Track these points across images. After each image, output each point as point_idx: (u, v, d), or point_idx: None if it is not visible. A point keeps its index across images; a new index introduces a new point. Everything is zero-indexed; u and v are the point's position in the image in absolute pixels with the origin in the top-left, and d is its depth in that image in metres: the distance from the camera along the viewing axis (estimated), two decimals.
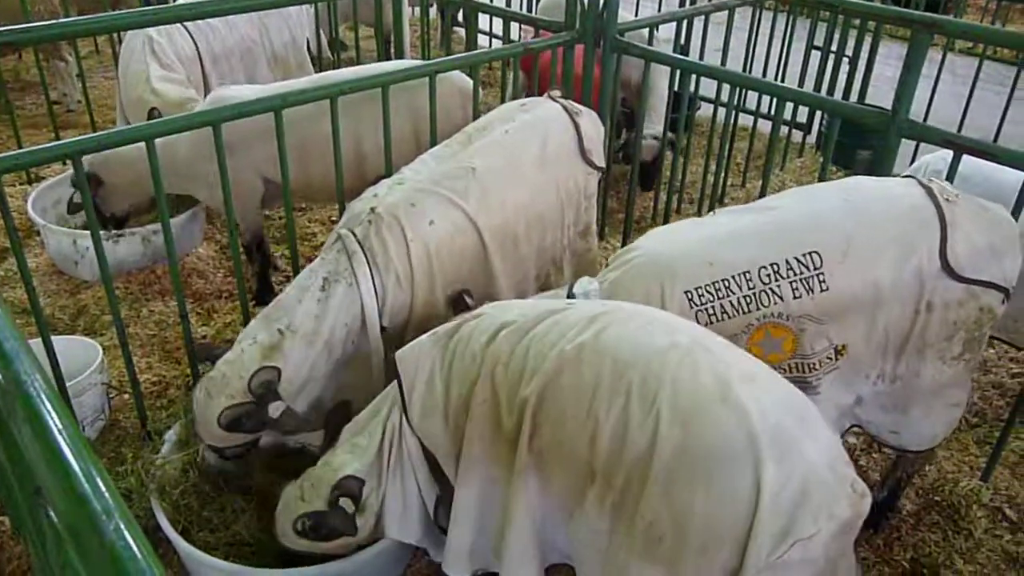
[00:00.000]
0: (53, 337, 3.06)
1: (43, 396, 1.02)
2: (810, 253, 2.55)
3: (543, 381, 2.13)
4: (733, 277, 2.58)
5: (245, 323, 3.37)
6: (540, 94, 3.68)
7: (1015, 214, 2.90)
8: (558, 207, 3.40)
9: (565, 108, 3.48)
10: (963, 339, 2.63)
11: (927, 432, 2.82)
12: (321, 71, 5.24)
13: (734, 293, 2.58)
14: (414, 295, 3.03)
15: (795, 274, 2.55)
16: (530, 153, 3.29)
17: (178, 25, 5.08)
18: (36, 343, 2.99)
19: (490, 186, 3.15)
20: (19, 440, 1.01)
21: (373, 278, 2.94)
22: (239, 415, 2.76)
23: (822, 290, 2.54)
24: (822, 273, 2.54)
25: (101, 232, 4.33)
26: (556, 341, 2.18)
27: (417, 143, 3.87)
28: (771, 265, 2.56)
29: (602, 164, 3.53)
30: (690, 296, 2.60)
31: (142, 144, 3.01)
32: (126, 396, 3.67)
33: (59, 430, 0.96)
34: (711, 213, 2.94)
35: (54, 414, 0.99)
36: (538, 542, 2.24)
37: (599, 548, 2.09)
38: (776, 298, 2.56)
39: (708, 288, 2.59)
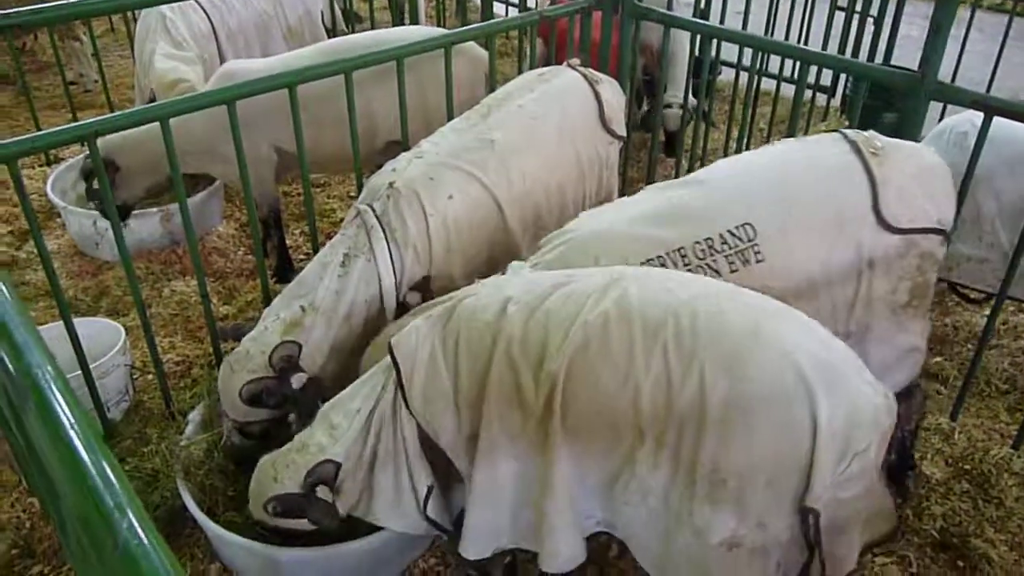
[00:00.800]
0: (76, 319, 3.07)
1: (54, 388, 1.00)
2: (743, 225, 2.53)
3: (570, 354, 2.11)
4: (668, 254, 2.55)
5: (266, 301, 3.37)
6: (558, 63, 3.61)
7: None
8: (579, 177, 3.35)
9: (585, 77, 3.41)
10: (908, 287, 2.62)
11: (887, 380, 2.78)
12: None
13: (671, 270, 2.54)
14: (432, 269, 3.01)
15: (730, 248, 2.53)
16: (550, 123, 3.24)
17: (192, 1, 5.05)
18: (58, 325, 3.01)
19: (509, 158, 3.10)
20: (31, 433, 0.99)
21: (391, 253, 2.92)
22: (260, 389, 2.81)
23: (758, 261, 2.52)
24: (756, 245, 2.52)
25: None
26: (575, 313, 2.15)
27: (425, 113, 3.83)
28: (705, 240, 2.54)
29: (623, 133, 3.47)
30: None
31: (156, 125, 2.99)
32: (150, 376, 3.69)
33: (70, 424, 0.94)
34: (641, 188, 2.88)
35: (65, 407, 0.97)
36: (575, 513, 2.24)
37: (655, 506, 2.10)
38: (713, 273, 2.53)
39: (644, 266, 2.54)
